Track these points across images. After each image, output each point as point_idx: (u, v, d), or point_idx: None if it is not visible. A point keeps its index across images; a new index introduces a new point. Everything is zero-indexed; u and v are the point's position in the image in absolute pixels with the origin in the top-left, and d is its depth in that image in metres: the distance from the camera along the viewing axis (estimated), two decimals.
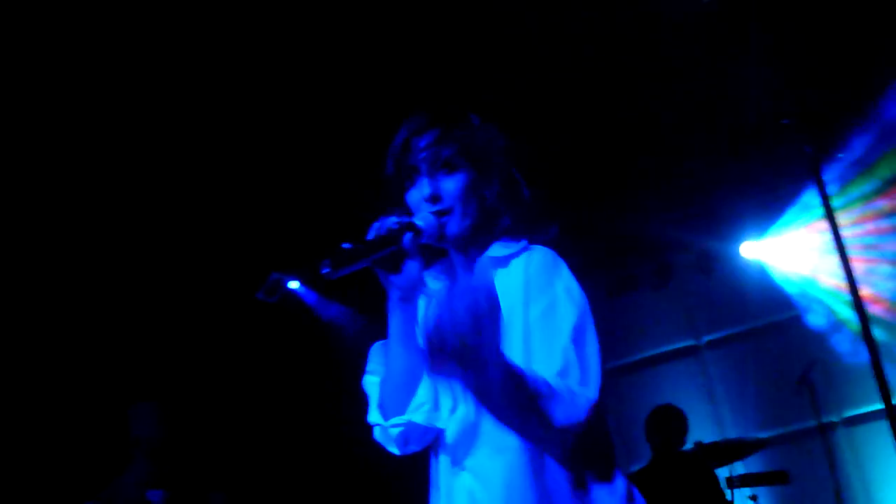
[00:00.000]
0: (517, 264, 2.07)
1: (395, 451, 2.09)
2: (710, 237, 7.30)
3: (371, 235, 1.96)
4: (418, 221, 2.01)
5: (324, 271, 1.88)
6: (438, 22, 4.90)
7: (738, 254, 7.28)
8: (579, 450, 1.95)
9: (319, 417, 6.90)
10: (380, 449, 2.13)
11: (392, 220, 1.98)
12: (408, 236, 1.96)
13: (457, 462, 2.04)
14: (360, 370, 2.18)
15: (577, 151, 6.16)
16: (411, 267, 1.99)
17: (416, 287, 2.02)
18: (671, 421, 5.69)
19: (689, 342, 7.67)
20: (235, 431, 6.66)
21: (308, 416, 6.98)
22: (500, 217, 2.10)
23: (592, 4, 4.90)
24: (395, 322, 2.03)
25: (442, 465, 2.08)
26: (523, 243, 2.10)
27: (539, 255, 2.06)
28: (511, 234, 2.11)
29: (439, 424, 2.03)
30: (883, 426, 6.55)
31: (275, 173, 5.92)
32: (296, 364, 7.09)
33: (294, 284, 7.32)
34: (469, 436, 2.02)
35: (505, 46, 5.09)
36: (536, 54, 5.19)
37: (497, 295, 1.70)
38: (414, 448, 2.08)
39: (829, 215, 3.92)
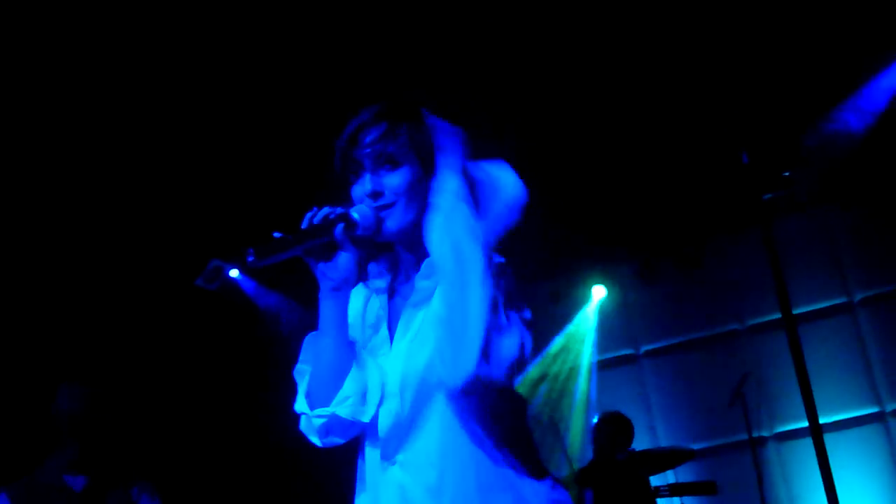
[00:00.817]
0: None
1: (316, 441, 2.07)
2: (651, 248, 7.36)
3: (304, 225, 1.98)
4: (354, 214, 2.00)
5: (249, 259, 1.90)
6: (402, 15, 4.89)
7: (679, 265, 7.35)
8: (509, 444, 1.97)
9: (252, 406, 6.83)
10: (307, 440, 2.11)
11: (325, 211, 1.99)
12: (339, 227, 1.98)
13: (387, 456, 2.01)
14: (294, 359, 2.15)
15: (534, 154, 6.17)
16: (343, 259, 2.01)
17: (349, 279, 2.03)
18: (620, 429, 5.74)
19: (628, 351, 7.73)
20: (166, 419, 6.57)
21: (240, 405, 6.92)
22: None
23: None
24: (325, 313, 2.04)
25: (370, 459, 2.06)
26: None
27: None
28: None
29: (363, 419, 2.01)
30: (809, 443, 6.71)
31: (222, 158, 5.86)
32: (231, 352, 7.03)
33: (234, 273, 7.26)
34: (401, 429, 2.00)
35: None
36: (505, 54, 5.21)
37: None
38: (335, 440, 2.06)
39: (768, 235, 3.97)
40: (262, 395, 6.74)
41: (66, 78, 4.99)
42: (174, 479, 4.75)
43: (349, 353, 2.04)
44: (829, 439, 6.79)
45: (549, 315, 7.56)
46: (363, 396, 2.02)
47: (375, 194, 2.03)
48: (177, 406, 6.73)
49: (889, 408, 7.02)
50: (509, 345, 1.87)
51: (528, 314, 1.97)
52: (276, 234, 1.92)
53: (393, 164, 2.04)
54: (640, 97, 5.83)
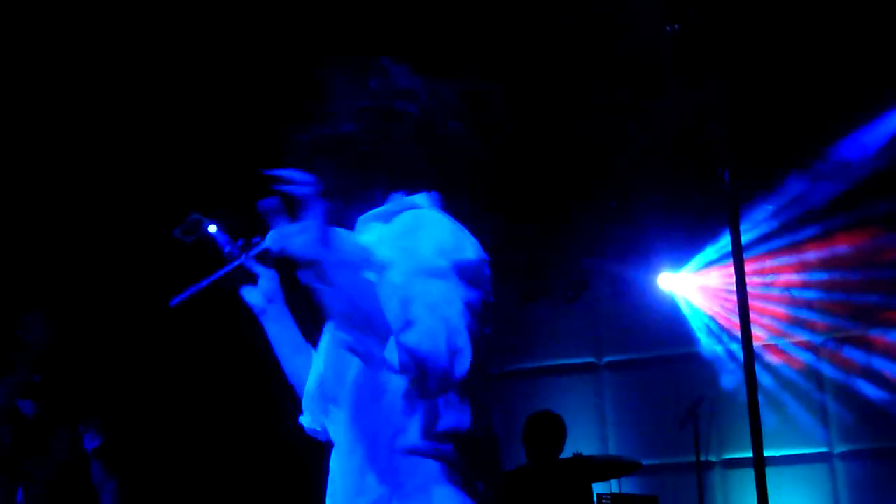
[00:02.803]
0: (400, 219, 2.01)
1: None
2: (628, 263, 7.41)
3: (226, 259, 2.14)
4: (266, 240, 2.02)
5: (171, 304, 2.06)
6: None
7: (653, 283, 7.41)
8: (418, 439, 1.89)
9: (214, 361, 6.84)
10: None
11: (235, 246, 2.15)
12: (247, 260, 2.12)
13: (330, 439, 2.05)
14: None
15: (512, 162, 6.19)
16: (261, 285, 2.17)
17: (269, 301, 2.17)
18: (549, 427, 5.71)
19: (590, 359, 7.79)
20: (126, 360, 6.56)
21: (204, 360, 6.92)
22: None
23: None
24: (271, 334, 2.19)
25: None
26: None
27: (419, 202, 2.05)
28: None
29: (316, 426, 2.12)
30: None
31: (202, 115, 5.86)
32: (201, 304, 7.00)
33: (213, 228, 7.24)
34: (332, 416, 2.02)
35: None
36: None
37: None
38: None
39: (737, 255, 4.01)
40: (224, 348, 6.77)
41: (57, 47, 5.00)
42: (127, 422, 4.77)
43: (302, 362, 2.16)
44: (775, 472, 6.95)
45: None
46: (322, 396, 2.08)
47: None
48: (139, 349, 6.73)
49: (837, 450, 7.12)
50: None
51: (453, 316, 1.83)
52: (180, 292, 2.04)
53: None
54: (626, 110, 5.86)
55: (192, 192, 6.39)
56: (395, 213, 2.01)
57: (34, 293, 5.28)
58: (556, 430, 5.71)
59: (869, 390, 7.01)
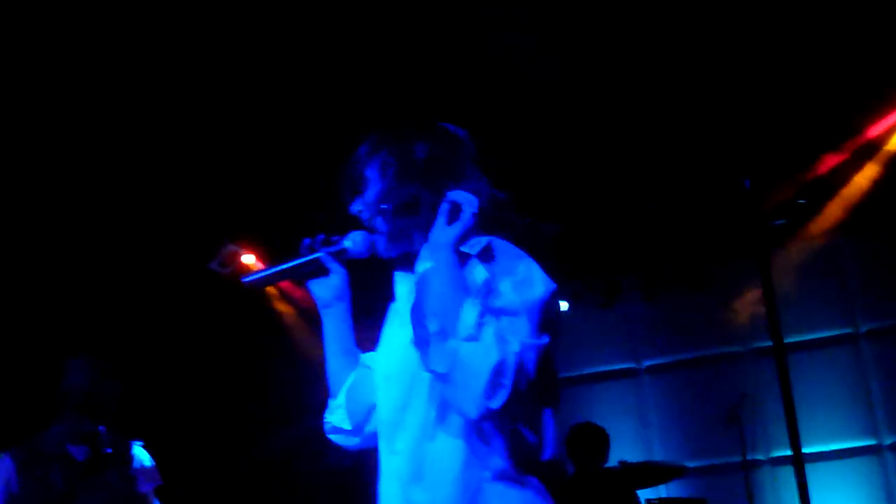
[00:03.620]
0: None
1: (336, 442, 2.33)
2: (660, 264, 7.40)
3: (302, 250, 2.23)
4: (346, 241, 2.21)
5: (244, 281, 2.25)
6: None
7: (689, 282, 7.38)
8: (495, 438, 1.98)
9: (254, 388, 6.91)
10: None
11: (317, 239, 2.24)
12: (321, 255, 2.22)
13: (389, 445, 2.09)
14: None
15: (548, 167, 6.22)
16: (333, 279, 2.25)
17: (337, 298, 2.26)
18: (591, 438, 5.76)
19: (630, 364, 7.76)
20: (170, 393, 6.63)
21: (244, 386, 6.98)
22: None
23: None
24: (326, 330, 2.29)
25: (381, 450, 2.14)
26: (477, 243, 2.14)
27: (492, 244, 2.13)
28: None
29: (346, 426, 2.25)
30: (808, 469, 6.73)
31: (248, 145, 5.93)
32: (238, 333, 7.08)
33: (249, 259, 7.31)
34: (395, 419, 2.07)
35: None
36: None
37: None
38: (350, 442, 2.29)
39: (764, 262, 4.00)
40: (267, 377, 6.84)
41: (74, 54, 5.06)
42: (173, 450, 4.80)
43: (347, 363, 2.27)
44: (825, 468, 6.90)
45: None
46: (354, 405, 2.24)
47: (360, 212, 2.20)
48: (182, 383, 6.80)
49: (886, 441, 7.04)
50: (478, 353, 1.84)
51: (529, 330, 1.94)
52: (269, 269, 2.25)
53: (371, 184, 2.18)
54: (654, 118, 5.88)
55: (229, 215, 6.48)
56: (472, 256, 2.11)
57: (76, 339, 5.36)
58: (598, 440, 5.75)
59: None
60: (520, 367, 1.86)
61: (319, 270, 2.23)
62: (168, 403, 6.49)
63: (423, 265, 1.97)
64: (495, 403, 1.83)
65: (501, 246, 2.08)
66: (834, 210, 6.91)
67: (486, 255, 2.05)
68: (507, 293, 1.95)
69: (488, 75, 5.28)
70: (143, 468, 4.12)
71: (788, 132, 6.07)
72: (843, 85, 5.76)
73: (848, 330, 7.25)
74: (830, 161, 6.58)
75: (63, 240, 6.13)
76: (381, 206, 2.13)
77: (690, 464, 6.26)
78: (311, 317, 7.32)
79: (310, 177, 6.11)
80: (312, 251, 2.22)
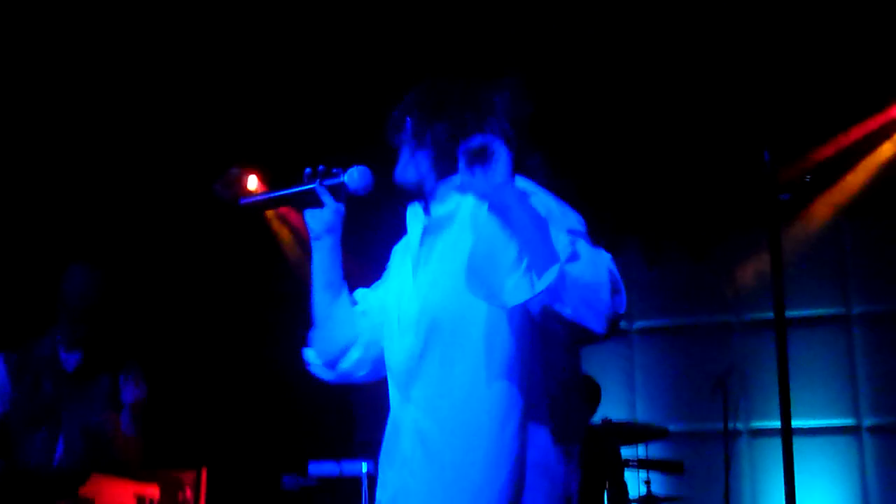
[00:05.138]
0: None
1: (324, 378, 2.35)
2: (663, 230, 7.42)
3: (304, 178, 2.25)
4: (344, 176, 2.23)
5: (241, 202, 2.30)
6: None
7: (685, 251, 7.41)
8: (526, 389, 1.98)
9: (253, 316, 6.93)
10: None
11: (318, 169, 2.25)
12: (315, 185, 2.23)
13: (404, 392, 2.07)
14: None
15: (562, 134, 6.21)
16: (326, 212, 2.25)
17: (329, 230, 2.26)
18: (589, 393, 5.80)
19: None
20: (166, 310, 6.67)
21: (242, 315, 7.01)
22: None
23: None
24: (314, 261, 2.29)
25: (392, 397, 2.13)
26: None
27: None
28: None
29: (362, 373, 2.26)
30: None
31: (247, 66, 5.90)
32: (240, 257, 7.10)
33: (253, 183, 7.30)
34: (415, 365, 2.05)
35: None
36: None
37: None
38: (347, 379, 2.31)
39: (775, 236, 4.01)
40: (266, 304, 6.86)
41: None
42: (167, 367, 4.83)
43: (329, 298, 2.27)
44: (803, 443, 6.95)
45: None
46: (367, 346, 2.24)
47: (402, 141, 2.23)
48: (180, 299, 6.83)
49: (866, 423, 7.13)
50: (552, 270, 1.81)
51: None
52: (270, 193, 2.29)
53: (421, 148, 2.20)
54: (670, 87, 5.87)
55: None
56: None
57: (76, 247, 5.39)
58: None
59: None
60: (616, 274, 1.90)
61: (315, 201, 2.24)
62: (163, 321, 6.53)
63: (480, 207, 1.94)
64: (621, 308, 1.86)
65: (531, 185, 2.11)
66: (840, 191, 6.94)
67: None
68: (570, 219, 2.00)
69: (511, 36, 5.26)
70: (131, 380, 4.16)
71: (802, 109, 6.06)
72: (863, 67, 5.74)
73: (840, 310, 7.29)
74: (841, 142, 6.58)
75: (73, 152, 6.13)
76: (434, 137, 2.15)
77: (672, 427, 6.33)
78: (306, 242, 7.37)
79: (321, 107, 6.14)
80: (312, 181, 2.24)
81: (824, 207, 7.03)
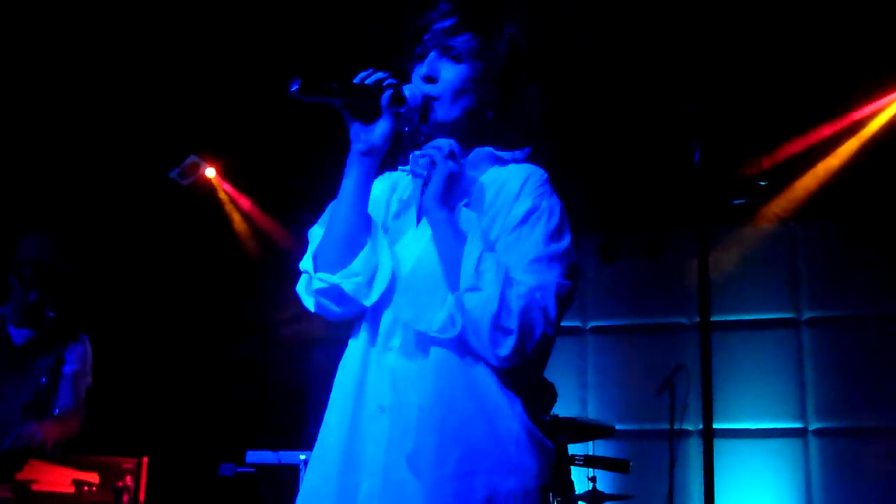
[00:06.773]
0: (515, 169, 2.11)
1: (310, 306, 2.09)
2: (617, 228, 7.47)
3: (356, 80, 2.00)
4: (405, 89, 2.03)
5: (292, 88, 1.92)
6: None
7: (640, 250, 7.46)
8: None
9: (199, 305, 6.91)
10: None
11: (379, 75, 2.02)
12: (387, 94, 1.99)
13: (386, 340, 2.02)
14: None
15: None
16: (380, 126, 2.01)
17: (379, 148, 2.02)
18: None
19: (576, 323, 7.86)
20: (110, 295, 6.64)
21: (187, 304, 6.99)
22: (491, 126, 2.12)
23: None
24: (348, 178, 2.04)
25: (364, 340, 2.06)
26: (522, 153, 2.17)
27: (539, 173, 2.13)
28: (504, 146, 2.15)
29: (366, 301, 2.02)
30: (732, 444, 6.90)
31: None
32: (188, 245, 7.08)
33: (211, 172, 7.28)
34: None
35: None
36: None
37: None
38: (330, 309, 2.06)
39: (703, 239, 4.06)
40: (222, 279, 6.84)
41: None
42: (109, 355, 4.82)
43: (364, 225, 2.03)
44: (752, 444, 7.08)
45: None
46: (371, 278, 2.01)
47: (428, 79, 2.08)
48: (131, 278, 6.81)
49: (812, 426, 7.22)
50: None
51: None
52: (328, 82, 1.95)
53: (456, 59, 2.08)
54: (624, 83, 5.91)
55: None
56: (511, 161, 2.13)
57: (30, 217, 5.36)
58: (545, 393, 5.83)
59: (848, 368, 7.10)
60: (526, 309, 1.85)
61: (365, 111, 2.00)
62: (106, 307, 6.49)
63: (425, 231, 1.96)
64: (503, 352, 1.84)
65: (543, 178, 2.10)
66: (793, 195, 7.02)
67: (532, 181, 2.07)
68: (539, 234, 1.99)
69: None
70: (76, 352, 4.16)
71: (756, 113, 6.13)
72: (817, 73, 5.81)
73: (790, 315, 7.38)
74: (795, 146, 6.67)
75: (35, 126, 6.09)
76: (482, 94, 2.08)
77: (620, 426, 6.38)
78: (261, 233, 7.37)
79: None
80: (373, 87, 2.00)
81: (777, 211, 7.11)
